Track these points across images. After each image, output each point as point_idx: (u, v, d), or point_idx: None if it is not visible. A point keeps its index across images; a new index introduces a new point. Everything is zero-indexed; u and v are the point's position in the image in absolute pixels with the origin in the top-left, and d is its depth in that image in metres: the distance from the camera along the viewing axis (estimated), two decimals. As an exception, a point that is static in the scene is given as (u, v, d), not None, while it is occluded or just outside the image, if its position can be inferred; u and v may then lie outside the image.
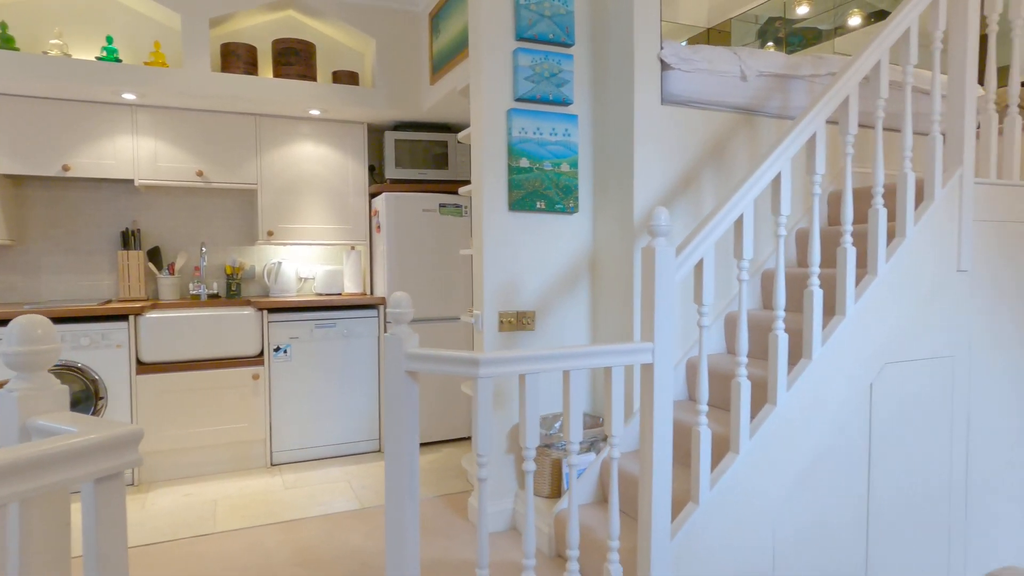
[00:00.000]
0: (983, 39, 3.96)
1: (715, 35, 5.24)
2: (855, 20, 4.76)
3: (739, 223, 1.91)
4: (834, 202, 2.89)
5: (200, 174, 3.52)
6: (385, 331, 3.56)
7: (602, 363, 1.69)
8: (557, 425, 2.59)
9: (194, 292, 3.66)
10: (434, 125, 3.99)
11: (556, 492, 2.45)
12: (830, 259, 2.67)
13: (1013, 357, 2.52)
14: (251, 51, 3.46)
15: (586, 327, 2.72)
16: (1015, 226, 2.49)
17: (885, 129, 3.02)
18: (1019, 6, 2.58)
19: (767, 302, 2.74)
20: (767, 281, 2.74)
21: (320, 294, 3.82)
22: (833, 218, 2.89)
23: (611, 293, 2.62)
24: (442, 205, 3.66)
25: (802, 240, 2.82)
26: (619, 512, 2.29)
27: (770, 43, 5.67)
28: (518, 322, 2.54)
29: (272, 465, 3.46)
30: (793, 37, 5.48)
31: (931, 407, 2.35)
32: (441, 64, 3.28)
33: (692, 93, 2.54)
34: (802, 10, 4.98)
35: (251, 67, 3.46)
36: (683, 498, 2.04)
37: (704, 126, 2.59)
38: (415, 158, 3.78)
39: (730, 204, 1.87)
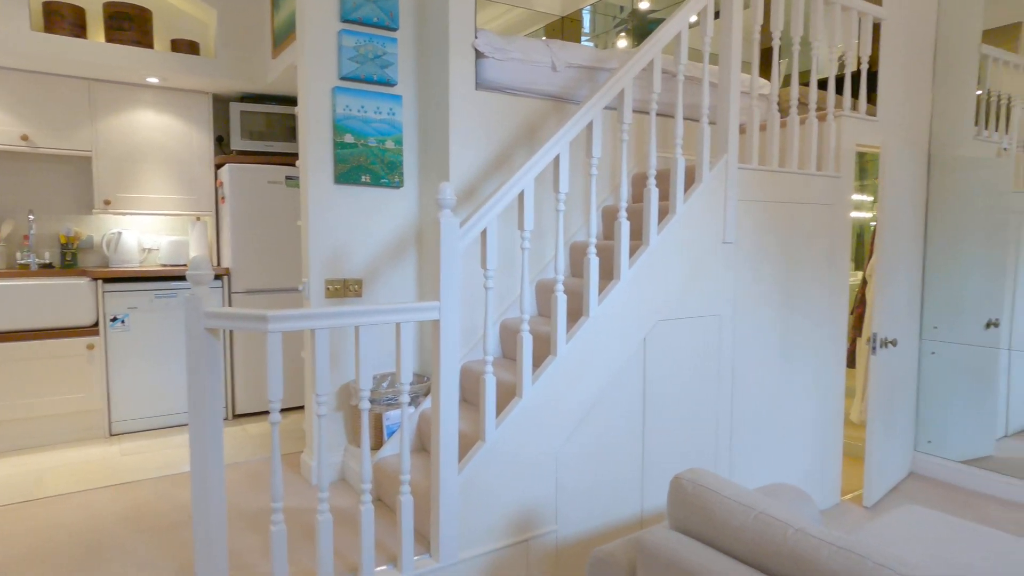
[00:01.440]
0: (767, 51, 4.53)
1: (569, 24, 5.57)
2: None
3: (521, 199, 2.20)
4: (638, 182, 3.28)
5: (25, 138, 3.39)
6: (231, 302, 3.62)
7: (392, 320, 1.93)
8: (385, 385, 2.82)
9: (22, 261, 3.53)
10: (282, 98, 4.03)
11: (378, 444, 2.69)
12: (634, 233, 3.05)
13: (770, 316, 3.03)
14: (78, 12, 3.35)
15: (413, 294, 2.96)
16: (771, 205, 2.98)
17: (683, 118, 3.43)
18: (796, 26, 3.05)
19: (576, 270, 3.10)
20: (576, 252, 3.09)
21: (165, 265, 3.80)
22: (636, 196, 3.29)
23: (435, 261, 2.87)
24: (288, 177, 3.74)
25: (608, 215, 3.20)
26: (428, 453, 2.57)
27: (622, 34, 6.09)
28: (345, 289, 2.73)
29: (112, 435, 3.46)
30: (652, 25, 5.90)
31: (702, 357, 2.79)
32: (281, 38, 3.35)
33: (506, 80, 2.81)
34: (643, 5, 5.41)
35: (79, 29, 3.35)
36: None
37: (517, 111, 2.87)
38: (263, 130, 3.82)
39: (512, 182, 2.15)
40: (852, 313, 4.20)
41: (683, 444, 2.76)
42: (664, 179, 3.14)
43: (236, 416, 3.85)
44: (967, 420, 3.82)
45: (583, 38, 5.87)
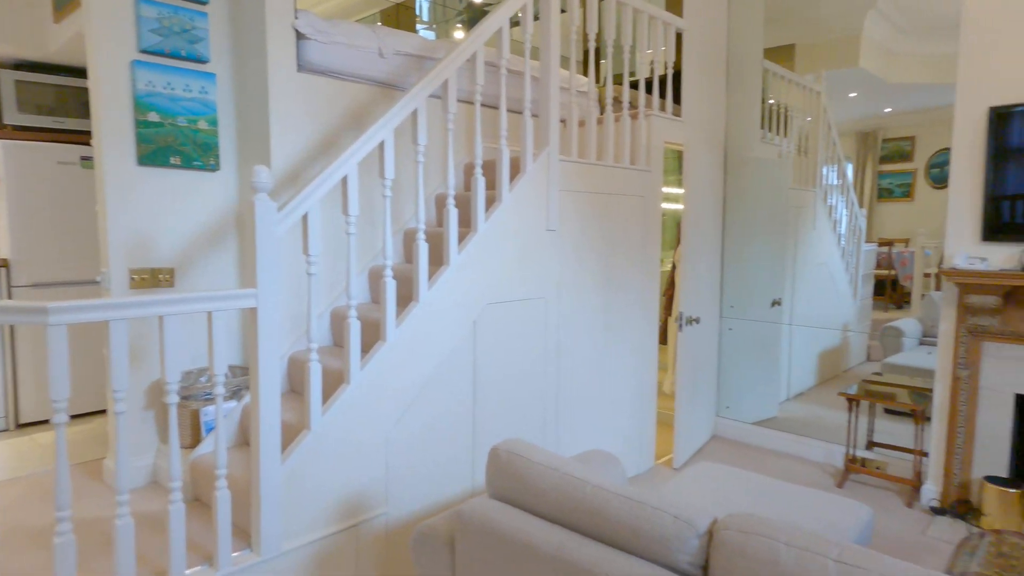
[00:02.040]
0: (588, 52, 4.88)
1: (404, 11, 5.55)
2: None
3: (345, 184, 2.18)
4: (469, 172, 3.38)
5: None
6: (9, 296, 3.19)
7: (202, 308, 1.83)
8: (203, 379, 2.65)
9: None
10: (70, 69, 3.59)
11: (195, 442, 2.53)
12: (464, 221, 3.14)
13: (592, 298, 3.28)
14: None
15: (234, 283, 2.82)
16: (591, 195, 3.21)
17: (512, 111, 3.57)
18: (609, 31, 3.29)
19: (410, 257, 3.12)
20: (410, 239, 3.12)
21: (-72, 256, 3.25)
22: (468, 186, 3.38)
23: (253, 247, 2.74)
24: (84, 158, 3.36)
25: (441, 203, 3.26)
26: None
27: (459, 25, 6.17)
28: (154, 279, 2.53)
29: None
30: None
31: (529, 338, 2.95)
32: (64, 1, 2.99)
33: (332, 64, 2.75)
34: (479, -2, 5.53)
35: None
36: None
37: (344, 96, 2.83)
38: (51, 104, 3.39)
39: (334, 166, 2.13)
40: (664, 295, 4.66)
41: (513, 420, 2.91)
42: (492, 169, 3.26)
43: (21, 425, 3.40)
44: (757, 387, 4.40)
45: (420, 27, 5.87)
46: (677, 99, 3.96)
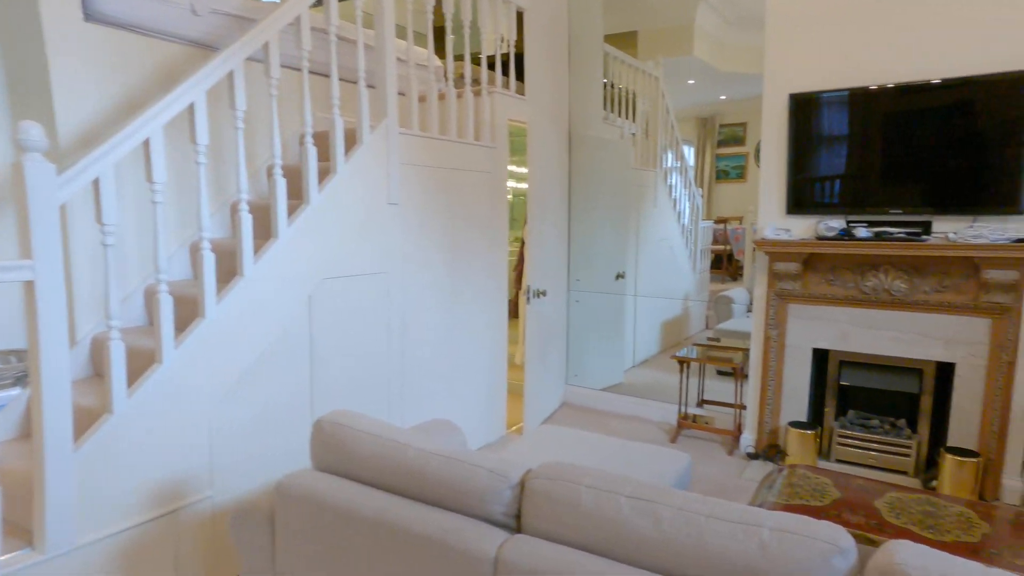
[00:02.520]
0: (441, 29, 4.87)
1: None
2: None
3: (147, 147, 2.00)
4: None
5: None
6: None
7: (-35, 283, 1.60)
8: (-10, 369, 2.34)
9: None
10: None
11: (-21, 438, 2.24)
12: (298, 193, 3.00)
13: (438, 272, 3.28)
14: None
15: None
16: (435, 170, 3.20)
17: (348, 80, 3.46)
18: (447, 4, 3.27)
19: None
20: (234, 212, 2.93)
21: None
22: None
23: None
24: None
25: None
26: (61, 445, 2.23)
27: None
28: (-83, 255, 2.18)
29: None
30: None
31: (372, 313, 2.90)
32: None
33: (131, 17, 2.50)
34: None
35: None
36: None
37: (153, 55, 2.59)
38: None
39: (132, 128, 1.94)
40: (515, 270, 4.78)
41: (356, 398, 2.86)
42: (327, 140, 3.14)
43: None
44: (604, 355, 4.66)
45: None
46: (522, 78, 4.05)
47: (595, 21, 4.44)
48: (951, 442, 3.24)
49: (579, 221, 4.48)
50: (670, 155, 5.64)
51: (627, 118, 5.36)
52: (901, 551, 1.22)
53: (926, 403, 3.39)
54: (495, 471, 1.56)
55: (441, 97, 3.61)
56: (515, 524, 1.56)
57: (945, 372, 3.30)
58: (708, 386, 4.25)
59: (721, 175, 9.11)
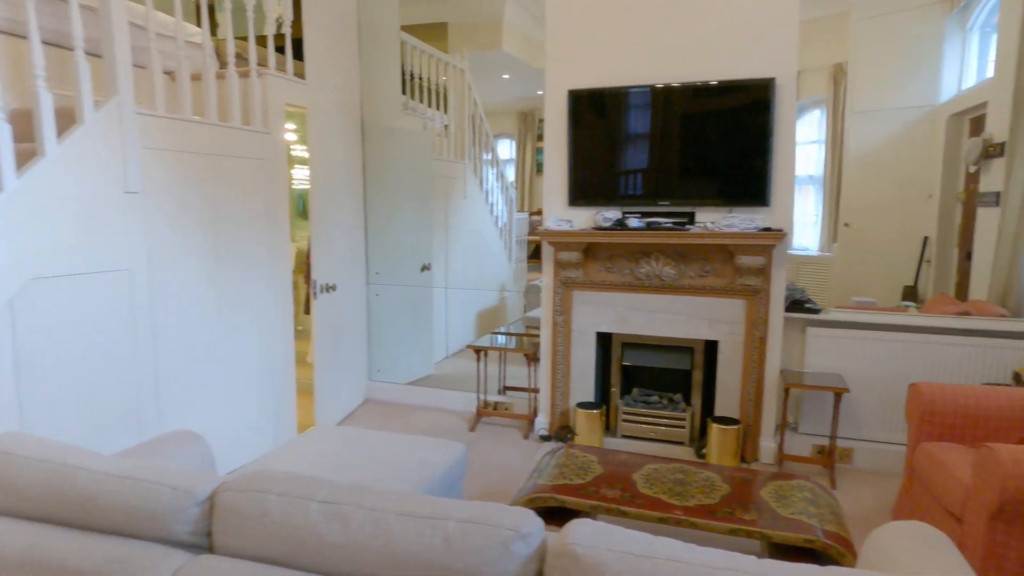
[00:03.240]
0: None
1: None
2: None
3: None
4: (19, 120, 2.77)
5: None
6: None
7: None
8: None
9: None
10: None
11: None
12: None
13: (199, 269, 2.98)
14: None
15: None
16: (191, 156, 2.89)
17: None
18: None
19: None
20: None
21: None
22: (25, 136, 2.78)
23: None
24: None
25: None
26: None
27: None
28: None
29: None
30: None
31: (109, 316, 2.55)
32: None
33: None
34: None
35: None
36: None
37: None
38: None
39: None
40: (304, 265, 4.55)
41: (91, 417, 2.50)
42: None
43: None
44: (411, 349, 4.57)
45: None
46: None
47: (390, 8, 4.30)
48: (717, 412, 3.55)
49: (377, 213, 4.34)
50: (479, 147, 5.66)
51: (439, 110, 5.30)
52: (575, 531, 1.23)
53: (698, 378, 3.69)
54: (179, 488, 1.39)
55: (194, 78, 3.29)
56: (207, 543, 1.40)
57: (712, 349, 3.61)
58: (514, 372, 4.32)
59: (541, 168, 9.40)
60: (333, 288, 3.70)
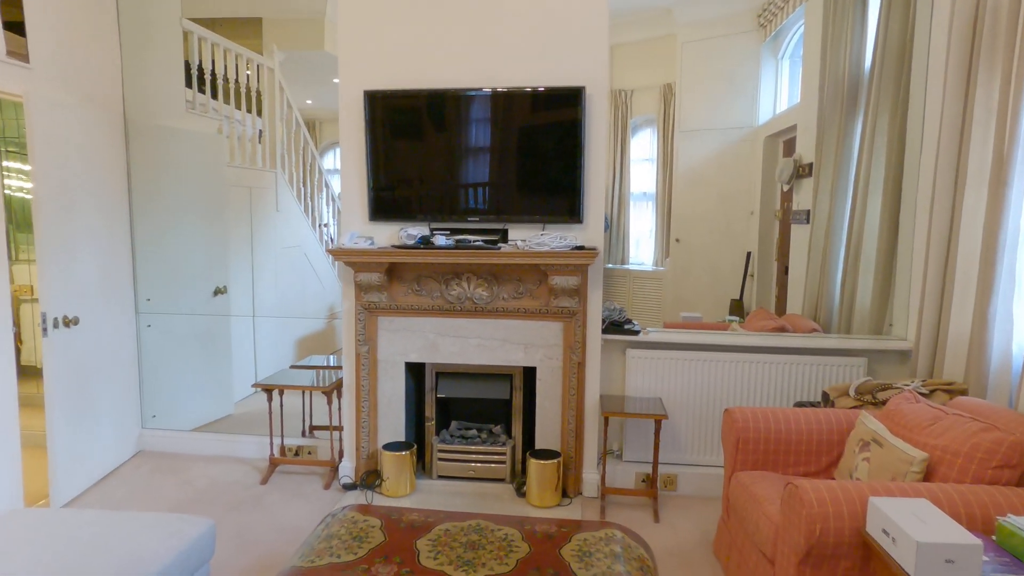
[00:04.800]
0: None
1: None
2: None
3: None
4: None
5: None
6: None
7: None
8: None
9: None
10: None
11: None
12: None
13: None
14: None
15: None
16: None
17: None
18: None
19: None
20: None
21: None
22: None
23: None
24: None
25: None
26: None
27: None
28: None
29: None
30: None
31: None
32: None
33: None
34: None
35: None
36: None
37: None
38: None
39: None
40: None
41: None
42: None
43: None
44: (200, 387, 3.91)
45: None
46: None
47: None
48: (539, 444, 3.29)
49: (150, 228, 3.66)
50: (293, 154, 5.11)
51: (251, 112, 4.68)
52: None
53: (518, 408, 3.41)
54: None
55: None
56: None
57: (532, 376, 3.35)
58: (324, 409, 3.81)
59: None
60: (75, 322, 3.00)
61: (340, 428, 3.43)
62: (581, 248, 3.02)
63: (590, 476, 3.27)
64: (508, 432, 3.45)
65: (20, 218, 4.36)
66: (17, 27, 2.86)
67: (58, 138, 2.93)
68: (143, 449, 3.68)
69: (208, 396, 3.91)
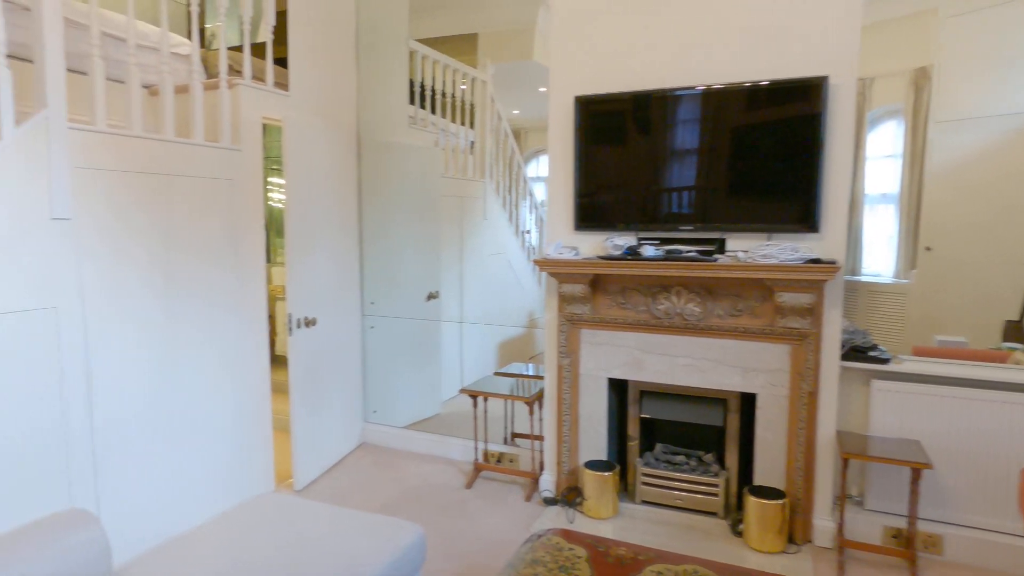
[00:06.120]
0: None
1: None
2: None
3: None
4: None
5: None
6: None
7: None
8: None
9: None
10: None
11: None
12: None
13: (148, 305, 2.66)
14: None
15: None
16: (134, 176, 2.59)
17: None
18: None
19: None
20: None
21: None
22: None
23: None
24: None
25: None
26: None
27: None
28: None
29: None
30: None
31: (28, 360, 2.24)
32: None
33: None
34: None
35: None
36: None
37: None
38: None
39: None
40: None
41: (8, 481, 2.19)
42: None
43: None
44: (414, 386, 4.15)
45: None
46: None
47: (397, 16, 3.94)
48: (757, 480, 2.94)
49: (374, 236, 3.96)
50: (502, 164, 5.24)
51: (464, 125, 4.91)
52: None
53: (733, 436, 3.08)
54: None
55: (182, 91, 3.02)
56: None
57: (750, 403, 3.00)
58: (526, 416, 3.81)
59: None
60: (313, 322, 3.33)
61: (541, 438, 3.38)
62: (817, 261, 2.62)
63: (821, 523, 2.83)
64: (720, 462, 3.13)
65: (276, 226, 5.04)
66: (279, 61, 3.25)
67: (307, 156, 3.28)
68: (364, 442, 4.00)
69: (419, 395, 4.14)
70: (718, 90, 2.79)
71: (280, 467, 3.35)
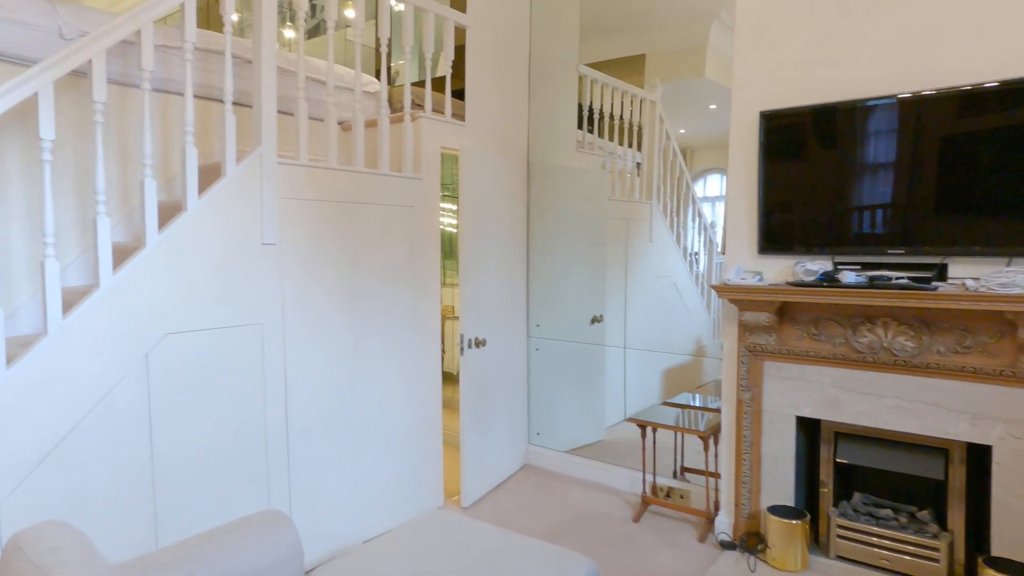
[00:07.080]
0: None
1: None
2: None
3: None
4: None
5: None
6: None
7: None
8: None
9: None
10: None
11: None
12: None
13: (337, 323, 2.87)
14: None
15: None
16: (328, 204, 2.81)
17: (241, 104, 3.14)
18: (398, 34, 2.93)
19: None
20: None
21: None
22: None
23: None
24: None
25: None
26: None
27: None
28: None
29: None
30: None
31: (240, 371, 2.51)
32: None
33: (-19, 45, 2.29)
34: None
35: None
36: None
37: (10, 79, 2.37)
38: None
39: None
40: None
41: (219, 476, 2.46)
42: (210, 174, 2.83)
43: None
44: (577, 410, 4.08)
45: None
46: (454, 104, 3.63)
47: (568, 43, 3.98)
48: (995, 549, 2.47)
49: (541, 259, 3.97)
50: (670, 185, 5.05)
51: (631, 147, 4.83)
52: None
53: (958, 493, 2.63)
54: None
55: (345, 128, 3.27)
56: None
57: (980, 455, 2.55)
58: (696, 449, 3.58)
59: (756, 204, 8.15)
60: (482, 343, 3.39)
61: (717, 475, 3.14)
62: (1075, 290, 2.16)
63: (1076, 610, 2.30)
64: (940, 521, 2.68)
65: (448, 249, 5.28)
66: (456, 93, 3.40)
67: (480, 183, 3.39)
68: (527, 463, 3.99)
69: (582, 420, 4.06)
70: (945, 94, 2.43)
71: (447, 483, 3.44)
